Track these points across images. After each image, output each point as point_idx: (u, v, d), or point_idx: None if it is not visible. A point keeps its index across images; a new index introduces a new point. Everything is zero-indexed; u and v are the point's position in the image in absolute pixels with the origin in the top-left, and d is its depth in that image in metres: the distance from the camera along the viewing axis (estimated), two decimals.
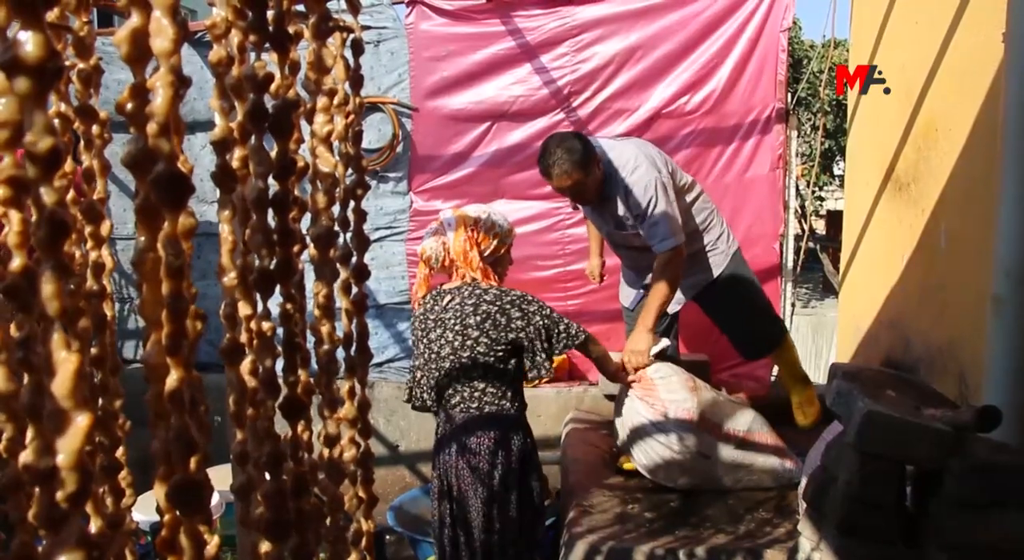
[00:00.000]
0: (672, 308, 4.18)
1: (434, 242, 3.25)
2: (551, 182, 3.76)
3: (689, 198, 4.07)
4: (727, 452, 3.43)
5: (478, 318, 3.08)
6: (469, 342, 3.07)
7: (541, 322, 3.10)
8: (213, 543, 0.99)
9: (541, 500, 3.14)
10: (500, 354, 3.06)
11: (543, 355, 3.10)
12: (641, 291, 4.24)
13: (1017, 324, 2.50)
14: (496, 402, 3.06)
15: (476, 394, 3.06)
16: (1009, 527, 2.04)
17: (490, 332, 3.06)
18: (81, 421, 0.60)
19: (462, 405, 3.08)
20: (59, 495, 0.60)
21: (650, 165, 3.78)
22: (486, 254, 3.22)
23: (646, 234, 3.77)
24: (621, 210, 3.85)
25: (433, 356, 3.18)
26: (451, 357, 3.11)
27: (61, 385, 0.61)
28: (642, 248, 3.95)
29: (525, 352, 3.10)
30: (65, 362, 0.61)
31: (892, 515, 2.16)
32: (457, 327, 3.11)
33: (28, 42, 0.57)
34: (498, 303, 3.10)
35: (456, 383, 3.10)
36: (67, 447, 0.60)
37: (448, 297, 3.20)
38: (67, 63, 1.38)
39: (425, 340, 3.23)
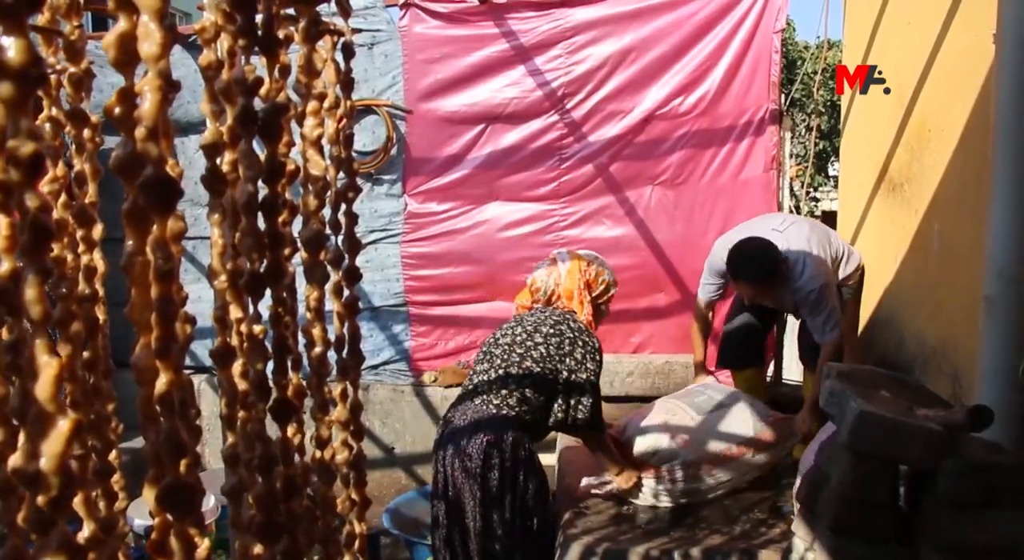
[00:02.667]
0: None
1: (545, 274, 3.35)
2: (735, 284, 3.94)
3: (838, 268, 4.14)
4: (722, 475, 3.42)
5: (551, 330, 3.12)
6: (529, 343, 3.10)
7: (585, 379, 3.10)
8: (204, 546, 0.99)
9: (539, 505, 3.10)
10: (546, 372, 3.07)
11: (563, 405, 3.10)
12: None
13: (1010, 324, 2.50)
14: (516, 407, 3.03)
15: (503, 392, 3.05)
16: (1002, 526, 2.05)
17: (551, 348, 3.08)
18: (63, 425, 0.60)
19: (483, 397, 3.06)
20: (40, 499, 0.60)
21: (815, 269, 3.81)
22: (594, 295, 3.36)
23: (812, 326, 3.87)
24: (791, 299, 3.95)
25: (491, 340, 3.23)
26: (506, 346, 3.14)
27: (43, 389, 0.61)
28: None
29: (559, 386, 3.10)
30: (47, 366, 0.61)
31: (885, 515, 2.17)
32: (529, 328, 3.15)
33: (10, 48, 0.57)
34: (574, 334, 3.14)
35: (493, 374, 3.10)
36: (49, 451, 0.60)
37: (545, 311, 3.26)
38: (58, 67, 1.39)
39: (493, 334, 3.29)
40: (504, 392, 3.05)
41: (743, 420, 3.53)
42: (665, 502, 3.36)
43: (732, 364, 4.50)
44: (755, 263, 3.73)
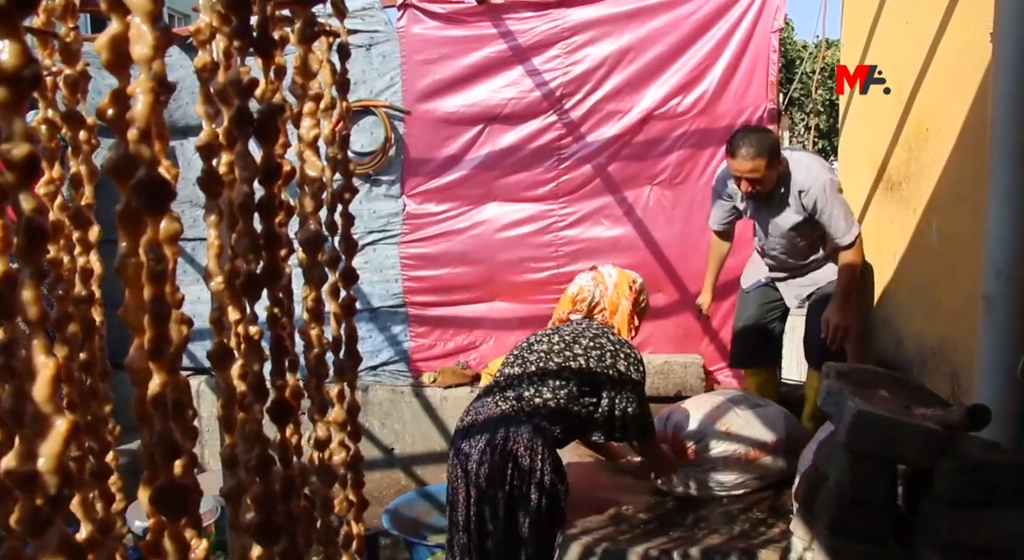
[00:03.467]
0: (792, 304, 4.36)
1: (592, 283, 3.40)
2: (733, 161, 3.87)
3: None
4: (748, 474, 3.45)
5: (591, 343, 3.11)
6: (568, 354, 3.07)
7: (632, 388, 3.12)
8: (201, 547, 0.99)
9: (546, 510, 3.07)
10: (585, 383, 3.06)
11: (607, 411, 3.09)
12: (763, 280, 4.39)
13: (1008, 323, 2.50)
14: (549, 415, 3.01)
15: (536, 401, 3.01)
16: (1000, 526, 2.05)
17: (591, 360, 3.07)
18: (61, 425, 0.60)
19: (513, 404, 3.02)
20: (39, 499, 0.61)
21: (822, 167, 3.99)
22: (637, 310, 3.47)
23: (830, 228, 3.95)
24: (793, 207, 4.00)
25: (525, 345, 3.21)
26: (542, 354, 3.11)
27: (40, 390, 0.61)
28: (794, 251, 4.17)
29: (602, 400, 3.10)
30: (44, 367, 0.61)
31: (883, 514, 2.17)
32: (568, 338, 3.13)
33: (4, 51, 0.57)
34: (615, 347, 3.14)
35: (526, 380, 3.07)
36: (48, 451, 0.60)
37: (582, 324, 3.27)
38: (54, 69, 1.39)
39: (526, 338, 3.28)
40: (537, 400, 3.02)
41: (775, 424, 3.58)
42: (692, 491, 3.43)
43: (744, 363, 4.52)
44: (755, 134, 3.83)
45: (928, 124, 3.56)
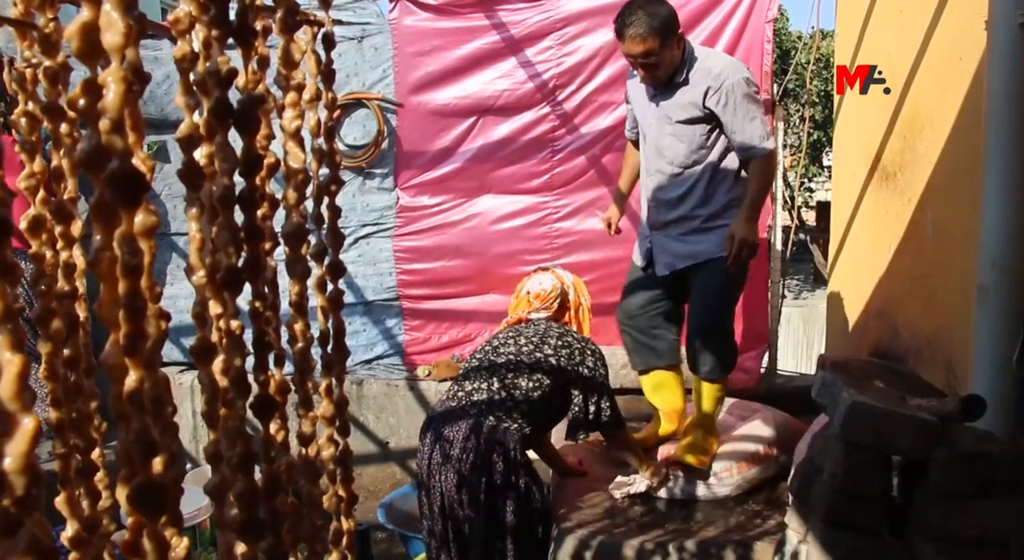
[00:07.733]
0: (661, 271, 3.66)
1: (551, 283, 3.43)
2: (622, 45, 3.32)
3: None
4: (751, 474, 3.44)
5: (559, 342, 3.12)
6: (539, 355, 3.08)
7: (600, 383, 3.15)
8: (181, 546, 0.97)
9: (536, 499, 3.07)
10: (558, 383, 3.06)
11: (582, 407, 3.11)
12: (649, 245, 3.71)
13: (1003, 313, 2.50)
14: (520, 418, 3.00)
15: (509, 404, 3.00)
16: (993, 517, 2.04)
17: (561, 359, 3.08)
18: (28, 424, 0.58)
19: (481, 408, 3.00)
20: (6, 500, 0.59)
21: (735, 61, 3.52)
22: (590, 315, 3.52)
23: (743, 133, 3.36)
24: (693, 96, 3.39)
25: (489, 349, 3.22)
26: (510, 356, 3.10)
27: (5, 388, 0.59)
28: (677, 174, 3.52)
29: (574, 397, 3.11)
30: (9, 364, 0.59)
31: (878, 506, 2.16)
32: (535, 340, 3.14)
33: None
34: (581, 345, 3.16)
35: (496, 384, 3.05)
36: (14, 450, 0.59)
37: (541, 325, 3.27)
38: (34, 61, 1.37)
39: (488, 342, 3.29)
40: (510, 404, 3.01)
41: (770, 422, 3.57)
42: (698, 495, 3.38)
43: (637, 363, 3.88)
44: (644, 9, 3.24)
45: (923, 114, 3.55)
